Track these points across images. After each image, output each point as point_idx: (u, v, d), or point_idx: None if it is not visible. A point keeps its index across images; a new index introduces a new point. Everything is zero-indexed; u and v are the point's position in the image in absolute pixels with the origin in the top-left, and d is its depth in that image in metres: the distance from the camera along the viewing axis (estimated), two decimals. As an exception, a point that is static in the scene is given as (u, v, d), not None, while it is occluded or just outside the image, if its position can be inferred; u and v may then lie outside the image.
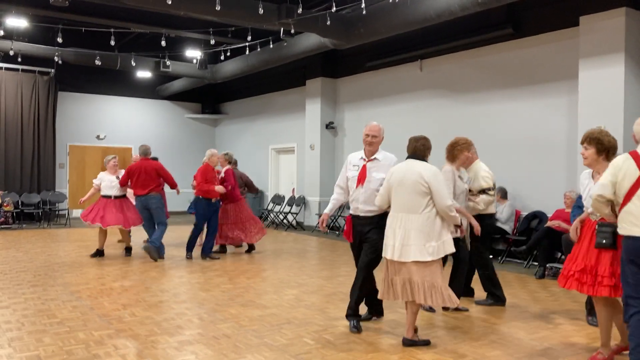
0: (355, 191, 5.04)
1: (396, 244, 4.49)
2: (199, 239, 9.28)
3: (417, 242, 4.42)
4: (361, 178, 5.00)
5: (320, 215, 13.18)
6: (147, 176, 8.77)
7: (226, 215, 9.33)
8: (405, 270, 4.48)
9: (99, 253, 9.09)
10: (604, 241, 3.94)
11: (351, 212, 5.14)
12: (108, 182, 8.99)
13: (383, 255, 4.70)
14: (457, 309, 5.71)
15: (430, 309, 5.69)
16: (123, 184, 8.99)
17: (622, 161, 3.71)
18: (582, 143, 4.24)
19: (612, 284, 3.94)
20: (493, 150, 9.44)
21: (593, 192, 3.90)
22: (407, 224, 4.47)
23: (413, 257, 4.41)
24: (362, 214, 5.01)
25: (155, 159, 9.81)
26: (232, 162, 9.83)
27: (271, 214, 14.45)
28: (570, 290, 4.23)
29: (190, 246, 9.05)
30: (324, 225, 5.30)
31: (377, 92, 12.44)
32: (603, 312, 4.19)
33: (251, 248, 9.74)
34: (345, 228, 5.19)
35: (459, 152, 5.70)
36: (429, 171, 4.53)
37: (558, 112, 8.93)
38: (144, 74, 15.04)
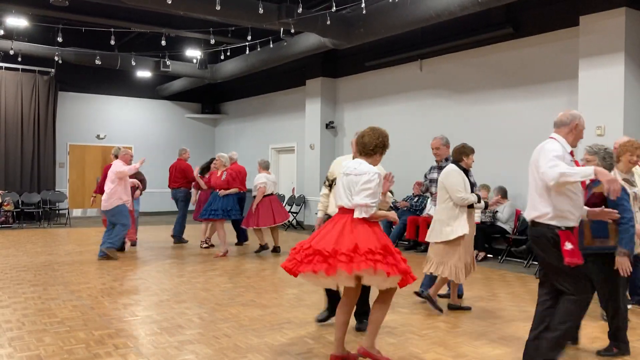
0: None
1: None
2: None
3: None
4: None
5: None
6: None
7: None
8: None
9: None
10: None
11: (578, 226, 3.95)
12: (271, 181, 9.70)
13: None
14: (460, 308, 5.81)
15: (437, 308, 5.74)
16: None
17: None
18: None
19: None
20: (493, 149, 9.46)
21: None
22: None
23: None
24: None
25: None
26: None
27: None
28: None
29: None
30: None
31: (377, 92, 12.44)
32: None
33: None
34: (572, 247, 3.69)
35: (620, 155, 5.20)
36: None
37: (558, 112, 8.83)
38: (144, 73, 15.05)
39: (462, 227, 5.51)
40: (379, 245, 3.82)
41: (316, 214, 5.30)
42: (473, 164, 5.81)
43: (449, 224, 5.53)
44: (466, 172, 5.69)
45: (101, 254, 8.74)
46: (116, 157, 9.47)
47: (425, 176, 6.49)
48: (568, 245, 3.67)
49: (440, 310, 5.68)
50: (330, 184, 5.07)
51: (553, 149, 3.79)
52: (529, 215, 3.94)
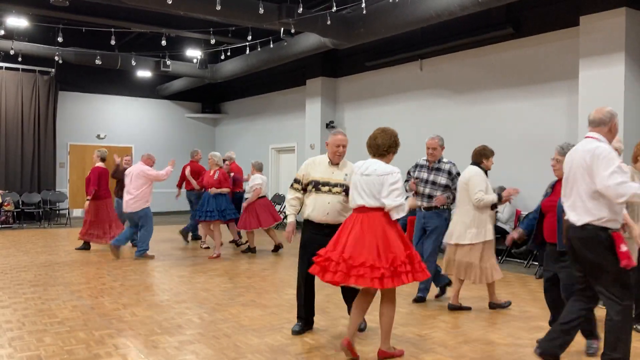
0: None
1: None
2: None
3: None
4: None
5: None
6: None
7: (89, 211, 9.62)
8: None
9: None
10: None
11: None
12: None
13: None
14: (460, 308, 5.78)
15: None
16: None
17: None
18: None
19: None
20: (493, 149, 9.42)
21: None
22: None
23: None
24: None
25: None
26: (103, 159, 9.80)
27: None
28: None
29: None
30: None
31: (377, 92, 12.44)
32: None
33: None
34: (627, 249, 3.62)
35: (638, 155, 5.02)
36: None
37: (558, 112, 8.94)
38: (144, 73, 15.03)
39: (489, 231, 5.60)
40: (407, 253, 4.02)
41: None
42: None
43: (473, 226, 5.58)
44: (485, 174, 5.73)
45: (115, 242, 8.86)
46: (101, 159, 9.62)
47: (409, 173, 6.24)
48: (623, 248, 3.56)
49: (509, 303, 5.92)
50: (304, 187, 4.86)
51: (612, 157, 3.48)
52: (580, 220, 3.64)
